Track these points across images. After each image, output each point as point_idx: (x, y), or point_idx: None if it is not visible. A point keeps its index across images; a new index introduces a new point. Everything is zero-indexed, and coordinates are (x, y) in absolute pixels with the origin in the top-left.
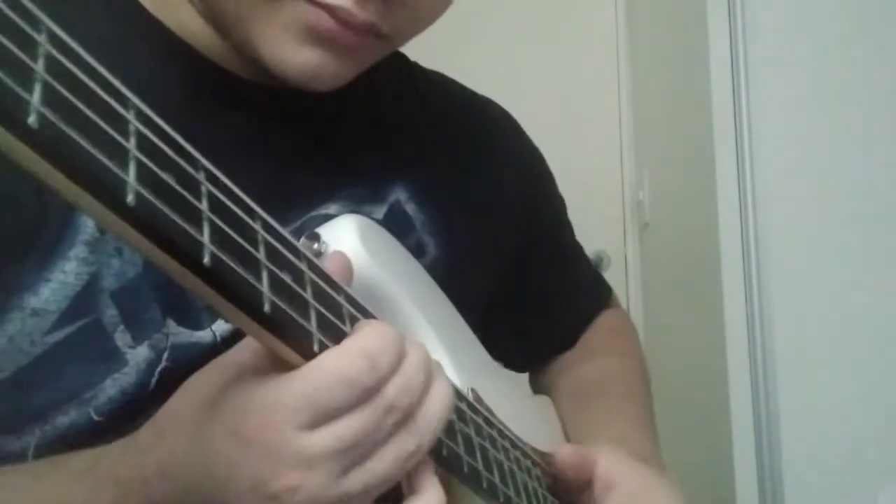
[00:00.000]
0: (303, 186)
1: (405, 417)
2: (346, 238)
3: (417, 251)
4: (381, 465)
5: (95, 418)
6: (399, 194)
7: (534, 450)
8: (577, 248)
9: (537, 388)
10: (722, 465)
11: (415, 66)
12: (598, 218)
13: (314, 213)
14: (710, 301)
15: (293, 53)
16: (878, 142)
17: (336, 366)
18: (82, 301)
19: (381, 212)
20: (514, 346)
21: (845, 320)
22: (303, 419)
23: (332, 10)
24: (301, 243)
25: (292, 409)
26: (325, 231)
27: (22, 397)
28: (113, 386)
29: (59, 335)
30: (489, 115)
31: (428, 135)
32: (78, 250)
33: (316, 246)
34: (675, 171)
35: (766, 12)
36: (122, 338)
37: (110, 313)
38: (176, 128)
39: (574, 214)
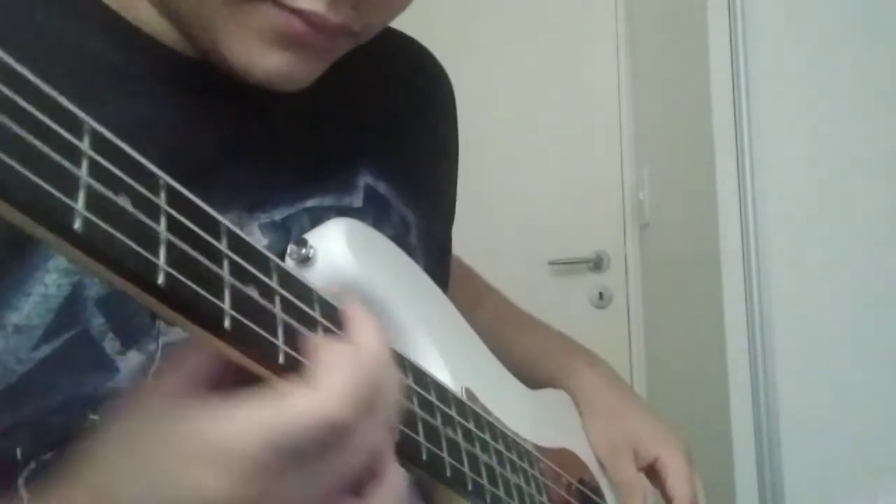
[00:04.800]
0: (276, 182)
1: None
2: (333, 243)
3: (403, 227)
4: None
5: (92, 416)
6: (366, 177)
7: (537, 447)
8: None
9: None
10: (722, 465)
11: None
12: (598, 218)
13: (296, 209)
14: (710, 301)
15: (262, 57)
16: (878, 141)
17: (308, 411)
18: (67, 313)
19: (359, 199)
20: None
21: (845, 320)
22: (280, 466)
23: (304, 15)
24: (289, 249)
25: (269, 462)
26: (312, 236)
27: (13, 410)
28: (107, 392)
29: (46, 349)
30: (421, 63)
31: (371, 101)
32: (57, 261)
33: (304, 251)
34: (675, 171)
35: (766, 12)
36: (111, 346)
37: (98, 322)
38: (145, 123)
39: (574, 214)
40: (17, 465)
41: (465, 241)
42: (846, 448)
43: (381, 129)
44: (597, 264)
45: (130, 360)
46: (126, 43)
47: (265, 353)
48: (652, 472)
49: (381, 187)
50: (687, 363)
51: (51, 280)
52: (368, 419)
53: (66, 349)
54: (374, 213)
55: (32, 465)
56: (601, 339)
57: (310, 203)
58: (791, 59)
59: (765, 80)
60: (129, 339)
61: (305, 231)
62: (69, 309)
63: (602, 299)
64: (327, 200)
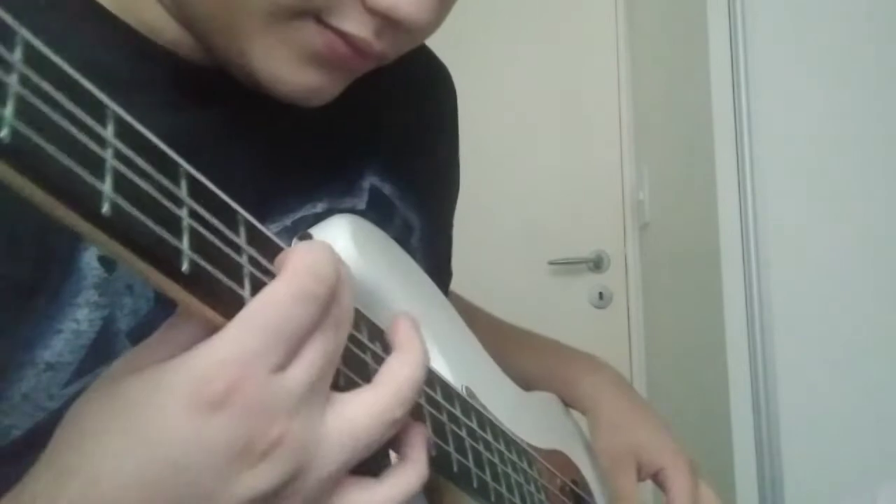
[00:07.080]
0: (286, 188)
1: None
2: (338, 238)
3: (405, 230)
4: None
5: None
6: (371, 178)
7: (532, 447)
8: None
9: None
10: (722, 465)
11: None
12: (598, 218)
13: (303, 214)
14: (710, 301)
15: (295, 74)
16: (878, 141)
17: (287, 290)
18: (100, 347)
19: (362, 202)
20: None
21: (845, 320)
22: (275, 358)
23: (348, 38)
24: (293, 245)
25: (262, 353)
26: (317, 231)
27: (41, 448)
28: None
29: (78, 386)
30: (425, 64)
31: (377, 103)
32: (87, 295)
33: None
34: (675, 171)
35: (766, 12)
36: None
37: None
38: (147, 128)
39: (574, 214)
40: None
41: (466, 241)
42: (846, 448)
43: (387, 131)
44: (597, 264)
45: None
46: (127, 49)
47: None
48: (657, 482)
49: (387, 188)
50: (687, 363)
51: (82, 315)
52: (342, 288)
53: None
54: (377, 215)
55: None
56: (601, 339)
57: (319, 208)
58: (791, 58)
59: (765, 79)
60: None
61: None
62: (102, 343)
63: (602, 299)
64: (332, 203)
